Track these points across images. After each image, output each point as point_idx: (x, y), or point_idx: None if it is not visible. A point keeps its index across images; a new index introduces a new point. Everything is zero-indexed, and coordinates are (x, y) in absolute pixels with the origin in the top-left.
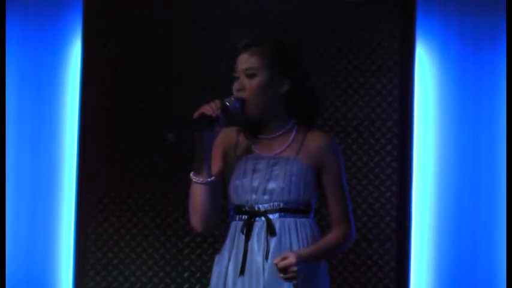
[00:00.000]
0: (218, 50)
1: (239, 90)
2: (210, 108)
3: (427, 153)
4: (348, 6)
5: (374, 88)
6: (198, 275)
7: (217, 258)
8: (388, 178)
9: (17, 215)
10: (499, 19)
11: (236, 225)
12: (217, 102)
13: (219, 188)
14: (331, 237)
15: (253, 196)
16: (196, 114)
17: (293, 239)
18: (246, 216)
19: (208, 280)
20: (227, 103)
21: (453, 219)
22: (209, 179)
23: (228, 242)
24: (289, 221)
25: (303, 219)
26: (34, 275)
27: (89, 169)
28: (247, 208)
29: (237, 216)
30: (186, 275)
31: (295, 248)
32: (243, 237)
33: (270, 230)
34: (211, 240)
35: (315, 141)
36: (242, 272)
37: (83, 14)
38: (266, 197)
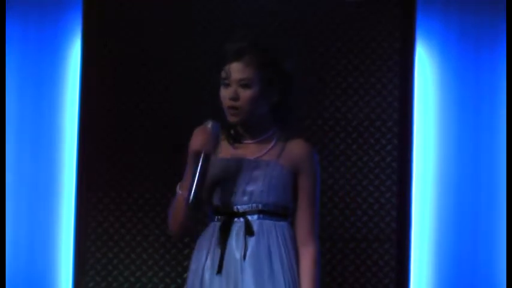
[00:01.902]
0: (218, 50)
1: (233, 99)
2: (209, 145)
3: (427, 153)
4: (348, 6)
5: (374, 88)
6: None
7: (194, 257)
8: (388, 178)
9: (17, 215)
10: (499, 19)
11: (215, 225)
12: (207, 129)
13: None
14: (307, 270)
15: (233, 197)
16: (192, 152)
17: (271, 241)
18: (224, 217)
19: None
20: (211, 127)
21: (453, 219)
22: (197, 197)
23: (205, 242)
24: (268, 223)
25: (281, 223)
26: (34, 275)
27: (89, 169)
28: (226, 209)
29: (216, 217)
30: (186, 275)
31: (273, 249)
32: (221, 237)
33: (248, 230)
34: None
35: (296, 147)
36: (220, 270)
37: (83, 14)
38: (245, 198)
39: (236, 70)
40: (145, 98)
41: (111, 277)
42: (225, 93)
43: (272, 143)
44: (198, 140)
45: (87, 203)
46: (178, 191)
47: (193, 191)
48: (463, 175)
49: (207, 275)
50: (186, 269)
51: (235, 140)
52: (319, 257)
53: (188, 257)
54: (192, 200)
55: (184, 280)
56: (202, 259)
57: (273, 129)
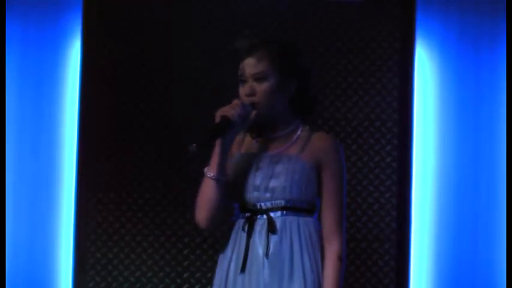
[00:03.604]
0: (218, 50)
1: (250, 95)
2: (236, 113)
3: (426, 153)
4: (348, 6)
5: (374, 88)
6: (197, 275)
7: (220, 256)
8: (388, 178)
9: (17, 215)
10: (499, 19)
11: (239, 223)
12: (238, 103)
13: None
14: (330, 268)
15: (255, 194)
16: (218, 118)
17: (294, 238)
18: (248, 214)
19: (208, 280)
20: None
21: (453, 219)
22: (222, 177)
23: (231, 240)
24: (291, 219)
25: (306, 219)
26: (34, 275)
27: (89, 169)
28: (249, 206)
29: (241, 214)
30: (185, 275)
31: (296, 247)
32: (245, 234)
33: (271, 228)
34: (211, 241)
35: (319, 140)
36: (243, 269)
37: (83, 14)
38: (268, 195)
39: (249, 65)
40: (145, 98)
41: (111, 277)
42: (242, 91)
43: (295, 137)
44: (227, 107)
45: (87, 203)
46: (207, 173)
47: (205, 138)
48: (463, 175)
49: (231, 273)
50: (185, 269)
51: (258, 134)
52: (344, 254)
53: (188, 257)
54: (199, 144)
55: (184, 280)
56: (228, 258)
57: (296, 122)
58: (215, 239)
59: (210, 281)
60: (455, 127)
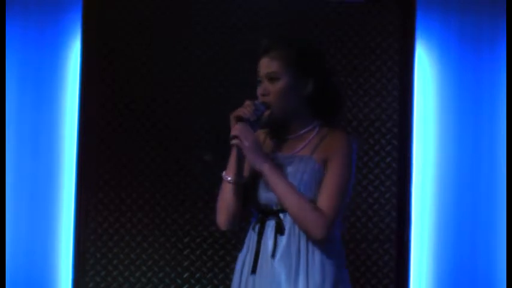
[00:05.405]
0: (218, 50)
1: (263, 95)
2: (248, 112)
3: (426, 153)
4: (348, 6)
5: (374, 88)
6: (197, 275)
7: (239, 256)
8: (387, 179)
9: (17, 215)
10: (499, 19)
11: (254, 224)
12: (250, 103)
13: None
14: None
15: (267, 195)
16: (233, 119)
17: (302, 239)
18: (260, 215)
19: (208, 281)
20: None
21: (453, 219)
22: (238, 180)
23: (246, 241)
24: None
25: None
26: (34, 275)
27: (89, 169)
28: (262, 207)
29: (255, 215)
30: (185, 275)
31: (302, 249)
32: (256, 236)
33: (279, 229)
34: (211, 241)
35: (332, 139)
36: (254, 270)
37: (83, 14)
38: None
39: (264, 65)
40: (145, 98)
41: (111, 277)
42: (258, 90)
43: (310, 137)
44: (240, 108)
45: (87, 204)
46: (225, 176)
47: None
48: (463, 175)
49: (244, 274)
50: (185, 270)
51: (276, 135)
52: (338, 250)
53: (188, 258)
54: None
55: (184, 280)
56: (242, 258)
57: (315, 123)
58: (215, 239)
59: (210, 282)
60: (455, 127)
